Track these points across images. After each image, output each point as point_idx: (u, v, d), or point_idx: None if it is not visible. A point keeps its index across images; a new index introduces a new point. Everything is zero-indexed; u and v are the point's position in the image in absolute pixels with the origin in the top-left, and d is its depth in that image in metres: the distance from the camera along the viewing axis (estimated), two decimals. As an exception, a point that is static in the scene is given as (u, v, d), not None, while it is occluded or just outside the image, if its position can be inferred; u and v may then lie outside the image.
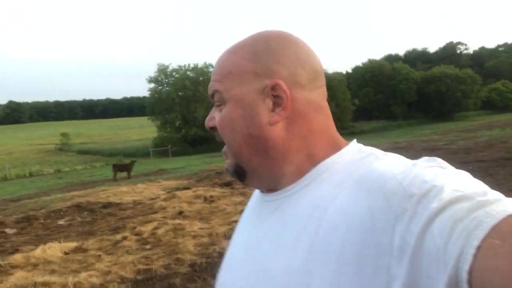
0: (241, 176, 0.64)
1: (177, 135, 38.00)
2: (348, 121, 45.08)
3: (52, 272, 4.41)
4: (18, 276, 4.28)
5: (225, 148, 0.64)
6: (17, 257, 4.87)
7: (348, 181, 0.54)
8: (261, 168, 0.62)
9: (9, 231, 7.03)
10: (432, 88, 46.03)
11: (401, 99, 46.87)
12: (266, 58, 0.60)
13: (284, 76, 0.59)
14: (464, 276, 0.37)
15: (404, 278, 0.44)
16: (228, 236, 5.19)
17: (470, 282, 0.37)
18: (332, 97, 45.50)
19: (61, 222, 7.49)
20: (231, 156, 0.63)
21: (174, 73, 41.65)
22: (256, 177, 0.63)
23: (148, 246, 5.20)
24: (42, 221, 7.67)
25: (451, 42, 73.78)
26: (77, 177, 21.90)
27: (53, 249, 5.15)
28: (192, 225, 5.96)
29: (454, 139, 17.50)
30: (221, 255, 4.44)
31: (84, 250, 5.24)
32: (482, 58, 69.70)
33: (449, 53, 70.87)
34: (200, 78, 40.06)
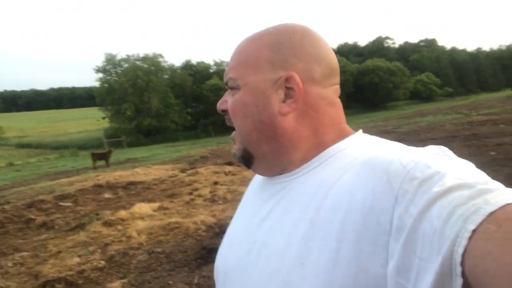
0: (248, 161, 0.67)
1: (130, 126, 37.96)
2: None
3: (163, 219, 5.72)
4: (141, 222, 5.55)
5: (233, 134, 0.68)
6: (122, 213, 6.06)
7: (353, 163, 0.57)
8: (269, 154, 0.65)
9: (65, 204, 7.96)
10: (366, 80, 50.45)
11: (340, 90, 50.68)
12: (284, 50, 0.62)
13: (299, 69, 0.61)
14: (458, 259, 0.38)
15: (397, 257, 0.45)
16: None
17: (463, 265, 0.38)
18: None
19: (107, 195, 8.52)
20: (239, 141, 0.66)
21: (122, 63, 41.33)
22: (263, 163, 0.66)
23: (220, 202, 6.65)
24: (87, 196, 8.62)
25: (380, 37, 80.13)
26: (37, 169, 21.62)
27: (145, 208, 6.39)
28: (239, 189, 7.45)
29: (398, 124, 20.38)
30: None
31: (167, 208, 6.54)
32: (406, 52, 76.65)
33: (378, 47, 77.00)
34: (152, 68, 40.38)
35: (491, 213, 0.38)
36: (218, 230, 4.95)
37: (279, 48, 0.62)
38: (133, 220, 5.76)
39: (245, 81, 0.63)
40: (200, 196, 7.20)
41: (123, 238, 4.99)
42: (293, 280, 0.53)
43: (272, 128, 0.63)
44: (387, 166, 0.51)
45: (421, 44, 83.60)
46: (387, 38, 79.85)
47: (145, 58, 41.72)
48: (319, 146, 0.63)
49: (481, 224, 0.38)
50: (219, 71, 48.35)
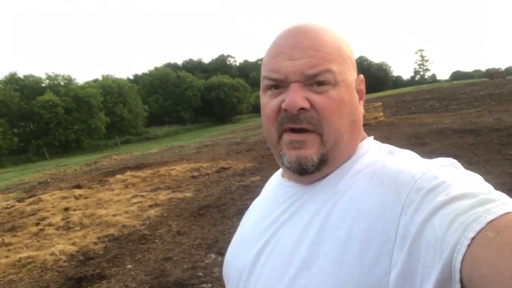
0: (319, 167, 0.60)
1: None
2: (142, 126, 46.69)
3: (8, 256, 4.94)
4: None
5: (305, 137, 0.58)
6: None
7: (365, 172, 0.58)
8: (344, 158, 0.61)
9: None
10: (213, 95, 52.82)
11: (188, 105, 51.68)
12: (351, 50, 0.62)
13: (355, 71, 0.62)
14: (457, 265, 0.39)
15: (402, 265, 0.46)
16: (141, 210, 6.60)
17: (461, 271, 0.39)
18: (125, 103, 46.35)
19: None
20: (320, 145, 0.59)
21: None
22: (329, 168, 0.61)
23: (77, 228, 6.06)
24: None
25: (223, 55, 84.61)
26: None
27: (-19, 247, 5.37)
28: (98, 212, 6.93)
29: (246, 136, 21.78)
30: (150, 219, 5.97)
31: (10, 243, 5.64)
32: (247, 69, 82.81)
33: (221, 64, 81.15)
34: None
35: (491, 221, 0.39)
36: (83, 258, 4.56)
37: (351, 49, 0.63)
38: (-32, 263, 4.80)
39: (343, 77, 0.59)
40: (50, 225, 6.43)
41: (-42, 286, 4.13)
42: (300, 283, 0.54)
43: (359, 128, 0.62)
44: (395, 176, 0.53)
45: (259, 62, 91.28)
46: (229, 56, 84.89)
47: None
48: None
49: (480, 232, 0.39)
50: (53, 86, 43.43)
